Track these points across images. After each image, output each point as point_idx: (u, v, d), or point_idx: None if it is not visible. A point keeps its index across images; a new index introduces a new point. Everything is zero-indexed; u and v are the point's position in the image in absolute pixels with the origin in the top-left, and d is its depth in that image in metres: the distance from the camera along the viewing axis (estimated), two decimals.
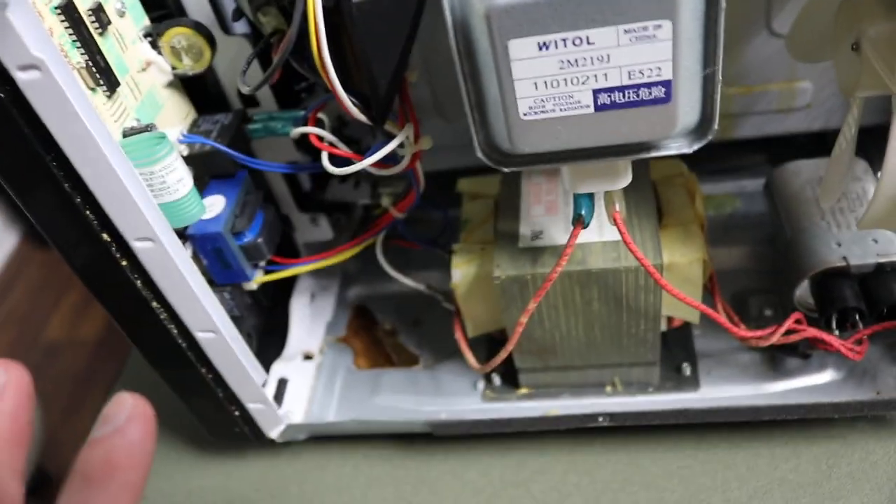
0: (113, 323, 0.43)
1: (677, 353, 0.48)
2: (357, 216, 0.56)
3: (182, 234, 0.42)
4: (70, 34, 0.37)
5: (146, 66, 0.42)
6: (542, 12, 0.28)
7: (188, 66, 0.43)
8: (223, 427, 0.49)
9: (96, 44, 0.38)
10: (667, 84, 0.29)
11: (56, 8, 0.36)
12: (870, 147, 0.48)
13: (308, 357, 0.53)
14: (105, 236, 0.38)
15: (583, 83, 0.30)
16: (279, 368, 0.52)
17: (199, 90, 0.46)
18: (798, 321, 0.42)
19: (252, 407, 0.47)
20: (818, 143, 0.53)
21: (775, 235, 0.49)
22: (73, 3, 0.37)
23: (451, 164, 0.51)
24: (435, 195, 0.49)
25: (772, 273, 0.51)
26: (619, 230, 0.37)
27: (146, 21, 0.42)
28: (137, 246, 0.38)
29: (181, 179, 0.39)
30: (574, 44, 0.29)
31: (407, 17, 0.41)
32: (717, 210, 0.56)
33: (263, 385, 0.47)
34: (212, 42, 0.42)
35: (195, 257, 0.43)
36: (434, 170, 0.49)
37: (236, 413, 0.48)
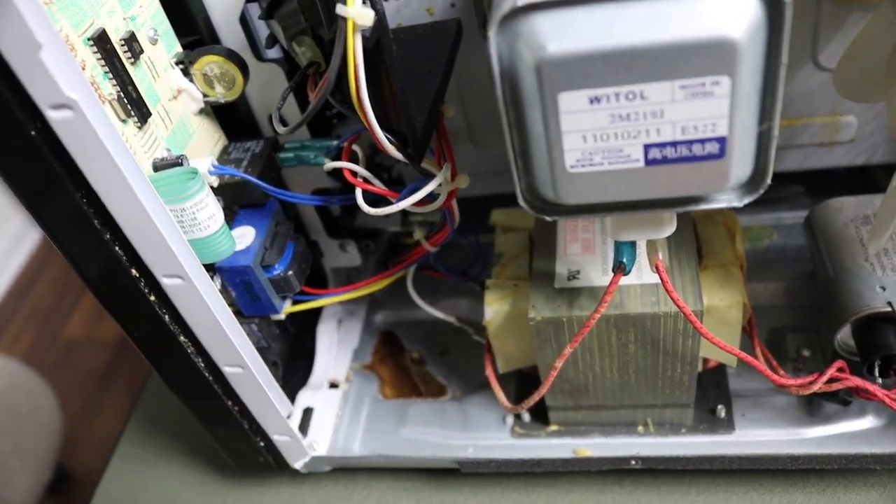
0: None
1: (711, 393, 0.47)
2: (385, 241, 0.55)
3: (211, 266, 0.41)
4: (102, 65, 0.36)
5: (177, 94, 0.41)
6: (595, 66, 0.27)
7: (220, 93, 0.42)
8: (247, 457, 0.48)
9: (128, 74, 0.37)
10: (721, 140, 0.28)
11: (89, 39, 0.35)
12: None
13: (334, 385, 0.53)
14: (134, 272, 0.37)
15: (634, 137, 0.28)
16: (305, 397, 0.51)
17: (230, 116, 0.46)
18: (840, 369, 0.41)
19: (277, 439, 0.47)
20: (860, 177, 0.52)
21: (816, 273, 0.48)
22: (105, 33, 0.36)
23: (484, 191, 0.50)
24: (466, 221, 0.47)
25: (809, 309, 0.50)
26: (662, 279, 0.36)
27: (178, 48, 0.42)
28: (166, 282, 0.37)
29: (212, 216, 0.38)
30: (627, 98, 0.27)
31: (444, 52, 0.40)
32: (753, 243, 0.54)
33: (289, 417, 0.46)
34: (244, 70, 0.42)
35: (223, 289, 0.43)
36: (466, 196, 0.48)
37: (261, 444, 0.47)
